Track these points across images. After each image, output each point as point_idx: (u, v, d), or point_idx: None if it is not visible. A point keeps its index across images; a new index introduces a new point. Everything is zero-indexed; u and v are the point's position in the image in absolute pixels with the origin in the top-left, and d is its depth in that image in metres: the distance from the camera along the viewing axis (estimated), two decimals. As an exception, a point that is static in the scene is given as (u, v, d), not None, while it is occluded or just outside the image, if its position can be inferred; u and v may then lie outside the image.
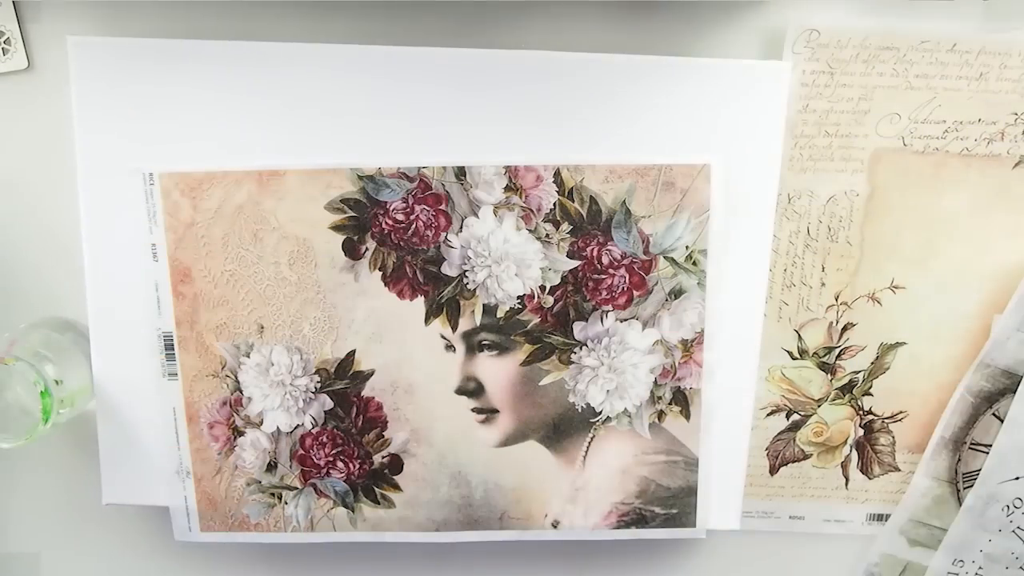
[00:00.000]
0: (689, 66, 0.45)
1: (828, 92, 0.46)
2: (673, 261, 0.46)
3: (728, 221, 0.46)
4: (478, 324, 0.47)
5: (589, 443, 0.49)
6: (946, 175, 0.47)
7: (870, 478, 0.52)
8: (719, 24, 0.46)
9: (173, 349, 0.49)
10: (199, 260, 0.47)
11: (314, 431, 0.49)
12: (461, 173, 0.46)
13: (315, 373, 0.49)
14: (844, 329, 0.50)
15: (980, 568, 0.51)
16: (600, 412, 0.49)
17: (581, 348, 0.48)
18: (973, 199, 0.47)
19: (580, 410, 0.49)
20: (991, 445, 0.48)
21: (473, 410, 0.49)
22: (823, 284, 0.49)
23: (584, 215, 0.46)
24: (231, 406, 0.49)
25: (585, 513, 0.50)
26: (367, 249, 0.47)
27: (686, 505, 0.50)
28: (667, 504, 0.50)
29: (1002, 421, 0.48)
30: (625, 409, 0.49)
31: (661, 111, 0.45)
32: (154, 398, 0.49)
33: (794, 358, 0.50)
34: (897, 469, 0.52)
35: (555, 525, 0.50)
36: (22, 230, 0.50)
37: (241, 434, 0.50)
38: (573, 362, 0.48)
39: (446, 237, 0.46)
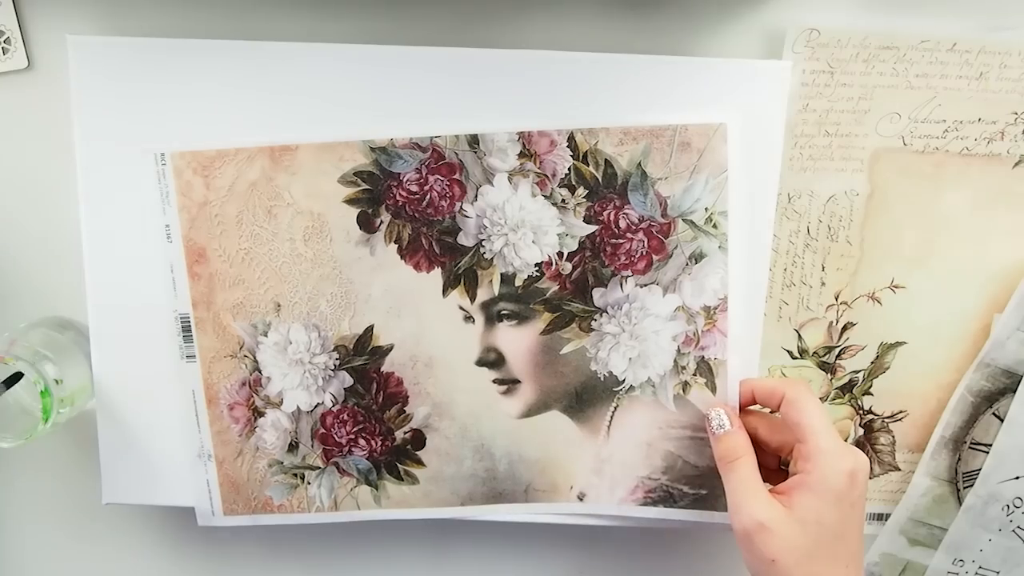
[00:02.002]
0: (689, 65, 0.45)
1: (828, 92, 0.46)
2: (692, 224, 0.46)
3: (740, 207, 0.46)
4: (496, 294, 0.47)
5: (613, 413, 0.48)
6: (946, 174, 0.47)
7: (870, 477, 0.52)
8: (719, 24, 0.46)
9: (191, 331, 0.48)
10: (213, 239, 0.47)
11: (335, 409, 0.49)
12: (474, 141, 0.45)
13: (334, 350, 0.48)
14: (844, 329, 0.50)
15: (980, 568, 0.51)
16: (623, 381, 0.48)
17: (601, 315, 0.47)
18: (973, 198, 0.47)
19: (603, 379, 0.48)
20: (991, 445, 0.48)
21: (494, 381, 0.48)
22: (823, 284, 0.49)
23: (600, 179, 0.45)
24: (250, 386, 0.49)
25: (611, 486, 0.49)
26: (382, 222, 0.47)
27: (715, 487, 0.47)
28: (695, 483, 0.48)
29: (1002, 421, 0.48)
30: (648, 378, 0.48)
31: (661, 110, 0.45)
32: (167, 385, 0.49)
33: (794, 358, 0.50)
34: (897, 468, 0.52)
35: (581, 498, 0.49)
36: (22, 229, 0.50)
37: (261, 415, 0.49)
38: (594, 329, 0.47)
39: (461, 207, 0.46)
